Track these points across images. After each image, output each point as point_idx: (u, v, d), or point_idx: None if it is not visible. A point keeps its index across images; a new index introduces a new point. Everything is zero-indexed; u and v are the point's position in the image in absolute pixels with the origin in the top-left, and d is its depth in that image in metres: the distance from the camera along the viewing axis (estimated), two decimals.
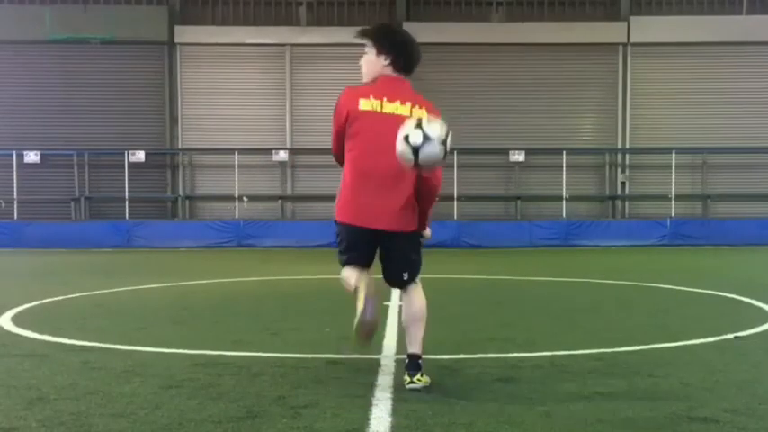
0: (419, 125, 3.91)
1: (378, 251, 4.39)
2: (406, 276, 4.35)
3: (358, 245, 4.32)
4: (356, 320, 4.17)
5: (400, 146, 3.92)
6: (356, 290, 4.27)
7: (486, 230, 21.55)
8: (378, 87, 4.26)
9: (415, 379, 4.25)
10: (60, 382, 4.50)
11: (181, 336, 6.23)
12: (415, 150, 3.89)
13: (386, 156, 4.08)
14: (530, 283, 11.04)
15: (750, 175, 23.81)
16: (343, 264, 4.40)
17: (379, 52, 4.29)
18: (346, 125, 4.23)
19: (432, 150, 3.88)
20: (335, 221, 4.37)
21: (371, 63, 4.32)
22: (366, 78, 4.33)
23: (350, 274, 4.34)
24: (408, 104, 4.21)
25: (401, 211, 4.21)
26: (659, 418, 3.73)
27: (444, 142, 3.90)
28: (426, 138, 3.87)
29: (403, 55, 4.31)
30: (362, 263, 4.36)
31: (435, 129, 3.90)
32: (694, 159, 23.89)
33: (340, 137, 4.31)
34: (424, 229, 4.55)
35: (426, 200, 4.33)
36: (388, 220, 4.21)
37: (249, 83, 23.79)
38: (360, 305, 4.19)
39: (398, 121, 4.06)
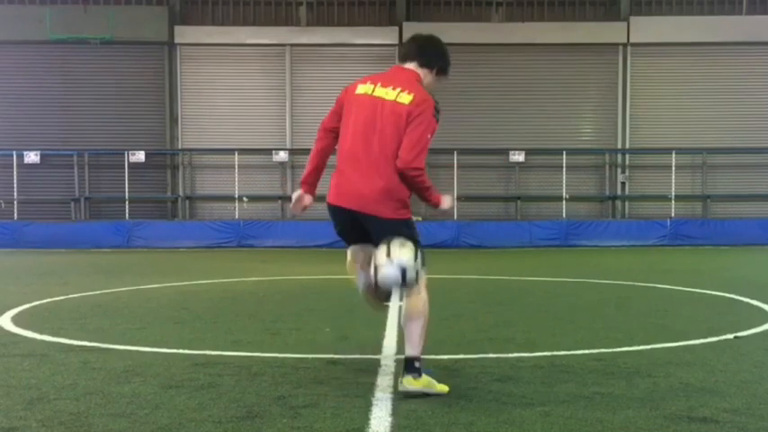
0: (387, 246, 4.06)
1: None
2: None
3: (344, 225, 4.40)
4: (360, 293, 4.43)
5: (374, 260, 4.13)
6: (348, 264, 4.53)
7: (486, 230, 21.52)
8: (380, 75, 4.39)
9: (404, 381, 4.11)
10: (60, 382, 4.50)
11: (181, 336, 6.23)
12: (375, 269, 4.05)
13: (366, 138, 4.19)
14: (530, 283, 11.03)
15: (750, 175, 23.79)
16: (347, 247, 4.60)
17: (431, 70, 4.46)
18: (343, 106, 4.37)
19: (387, 272, 4.00)
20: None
21: (431, 83, 4.48)
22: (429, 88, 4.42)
23: (348, 255, 4.57)
24: (397, 90, 4.25)
25: (374, 196, 4.18)
26: (659, 418, 3.73)
27: (404, 267, 3.98)
28: (388, 259, 4.01)
29: (447, 64, 4.53)
30: (351, 241, 4.50)
31: (401, 253, 4.01)
32: (694, 159, 23.88)
33: (333, 112, 4.43)
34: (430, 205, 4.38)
35: (414, 190, 4.25)
36: (358, 202, 4.23)
37: (249, 83, 23.76)
38: (355, 278, 4.48)
39: (382, 104, 4.19)
